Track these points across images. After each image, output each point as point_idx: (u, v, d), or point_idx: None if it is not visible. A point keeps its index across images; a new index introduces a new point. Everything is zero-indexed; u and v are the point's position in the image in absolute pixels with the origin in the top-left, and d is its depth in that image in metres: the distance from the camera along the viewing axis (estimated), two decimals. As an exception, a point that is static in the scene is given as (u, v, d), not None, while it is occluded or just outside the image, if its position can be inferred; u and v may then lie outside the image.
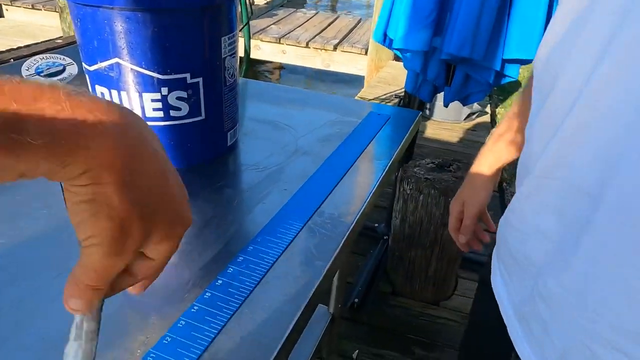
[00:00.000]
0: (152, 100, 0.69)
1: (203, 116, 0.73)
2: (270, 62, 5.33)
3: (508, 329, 0.55)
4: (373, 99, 3.47)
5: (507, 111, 0.77)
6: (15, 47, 1.05)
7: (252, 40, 4.86)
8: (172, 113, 0.71)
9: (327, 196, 0.70)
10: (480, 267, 1.85)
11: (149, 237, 0.27)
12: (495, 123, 3.52)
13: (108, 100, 0.25)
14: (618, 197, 0.37)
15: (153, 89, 0.68)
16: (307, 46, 4.80)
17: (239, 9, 0.71)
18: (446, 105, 1.51)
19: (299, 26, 5.24)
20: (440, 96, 1.68)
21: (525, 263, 0.50)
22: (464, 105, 1.51)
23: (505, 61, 1.36)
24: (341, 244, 0.61)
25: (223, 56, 0.73)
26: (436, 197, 1.48)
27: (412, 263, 1.63)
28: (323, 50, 4.79)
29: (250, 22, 5.17)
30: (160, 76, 0.67)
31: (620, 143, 0.37)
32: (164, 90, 0.68)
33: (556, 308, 0.45)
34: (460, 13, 1.23)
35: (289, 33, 4.96)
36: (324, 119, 0.96)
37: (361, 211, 0.68)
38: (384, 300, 1.68)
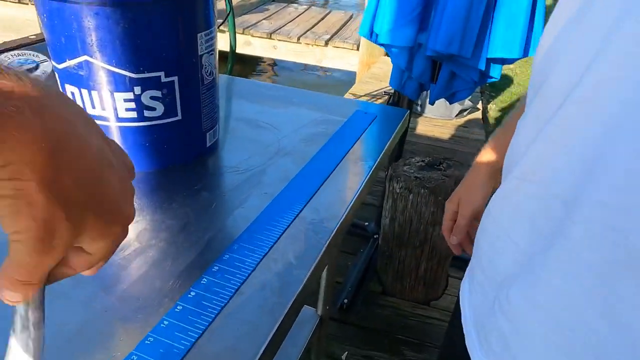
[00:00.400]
0: (125, 100, 0.65)
1: (179, 116, 0.70)
2: (262, 58, 5.28)
3: (466, 341, 0.52)
4: (364, 95, 3.44)
5: (514, 110, 0.72)
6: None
7: (242, 36, 4.81)
8: (147, 113, 0.67)
9: (309, 200, 0.67)
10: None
11: (81, 235, 0.25)
12: (487, 119, 3.51)
13: (33, 80, 0.23)
14: (593, 204, 0.34)
15: (125, 88, 0.65)
16: (298, 41, 4.75)
17: (217, 4, 0.67)
18: (432, 102, 1.48)
19: (290, 21, 5.19)
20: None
21: (491, 271, 0.47)
22: (450, 103, 1.49)
23: (489, 60, 1.34)
24: (322, 252, 0.58)
25: (200, 53, 0.69)
26: (426, 196, 1.46)
27: (402, 263, 1.61)
28: (315, 46, 4.75)
29: (241, 17, 5.11)
30: (132, 75, 0.64)
31: (599, 144, 0.33)
32: (137, 90, 0.65)
33: (520, 323, 0.42)
34: (447, 9, 1.21)
35: (280, 28, 4.91)
36: (308, 118, 0.93)
37: (344, 216, 0.65)
38: (373, 300, 1.66)
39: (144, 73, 0.64)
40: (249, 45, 4.83)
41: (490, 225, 0.49)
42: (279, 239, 0.59)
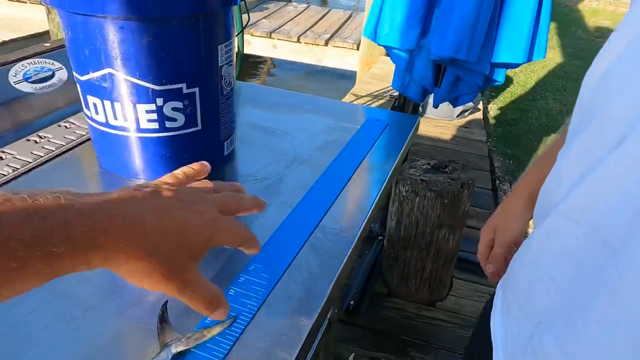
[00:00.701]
0: (147, 112, 0.66)
1: (199, 126, 0.71)
2: (261, 57, 5.28)
3: None
4: (366, 96, 3.45)
5: (555, 137, 0.67)
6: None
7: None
8: (168, 124, 0.68)
9: (328, 210, 0.68)
10: (475, 267, 1.85)
11: (198, 258, 0.37)
12: (488, 120, 3.52)
13: (112, 198, 0.33)
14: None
15: (148, 100, 0.66)
16: (298, 41, 4.76)
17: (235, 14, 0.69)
18: (436, 106, 1.49)
19: (290, 20, 5.20)
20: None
21: (528, 308, 0.45)
22: (454, 106, 1.50)
23: (493, 65, 1.35)
24: (344, 262, 0.59)
25: (220, 65, 0.70)
26: (432, 199, 1.48)
27: (407, 264, 1.63)
28: (314, 45, 4.76)
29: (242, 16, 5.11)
30: (155, 87, 0.65)
31: None
32: (159, 101, 0.66)
33: None
34: (455, 14, 1.22)
35: (279, 27, 4.92)
36: (321, 125, 0.94)
37: (363, 225, 0.66)
38: (379, 301, 1.68)
39: (167, 85, 0.65)
40: (249, 44, 4.83)
41: (531, 263, 0.46)
42: (301, 249, 0.60)
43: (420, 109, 3.20)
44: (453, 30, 1.25)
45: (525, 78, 4.44)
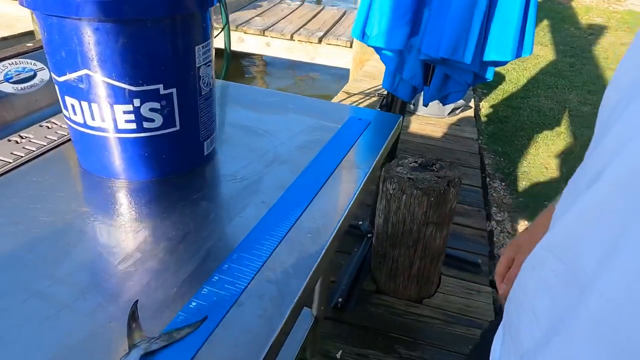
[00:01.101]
0: (124, 112, 0.67)
1: (178, 127, 0.72)
2: (255, 55, 5.27)
3: None
4: (358, 94, 3.46)
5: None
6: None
7: (235, 33, 4.80)
8: (146, 124, 0.69)
9: (305, 209, 0.69)
10: (463, 263, 1.86)
11: None
12: (479, 118, 3.54)
13: None
14: (601, 297, 0.31)
15: (125, 101, 0.66)
16: (291, 39, 4.75)
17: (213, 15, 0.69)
18: (426, 104, 1.50)
19: (284, 18, 5.18)
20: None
21: (517, 339, 0.45)
22: (443, 104, 1.51)
23: (482, 63, 1.36)
24: (318, 260, 0.60)
25: (197, 65, 0.71)
26: (419, 197, 1.49)
27: (395, 262, 1.64)
28: (308, 43, 4.75)
29: (235, 14, 5.09)
30: (132, 88, 0.65)
31: (619, 234, 0.31)
32: (136, 102, 0.66)
33: None
34: (450, 15, 1.22)
35: (273, 25, 4.91)
36: (303, 125, 0.94)
37: (340, 223, 0.67)
38: (367, 299, 1.69)
39: (143, 86, 0.66)
40: (242, 42, 4.82)
41: (519, 292, 0.46)
42: (276, 247, 0.61)
43: (412, 107, 3.21)
44: (449, 31, 1.25)
45: (517, 75, 4.46)
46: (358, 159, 0.84)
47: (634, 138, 0.32)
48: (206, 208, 0.69)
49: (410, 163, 1.60)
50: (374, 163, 0.83)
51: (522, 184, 2.81)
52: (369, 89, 3.53)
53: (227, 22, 1.33)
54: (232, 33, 4.82)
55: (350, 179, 0.78)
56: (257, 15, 5.19)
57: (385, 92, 1.67)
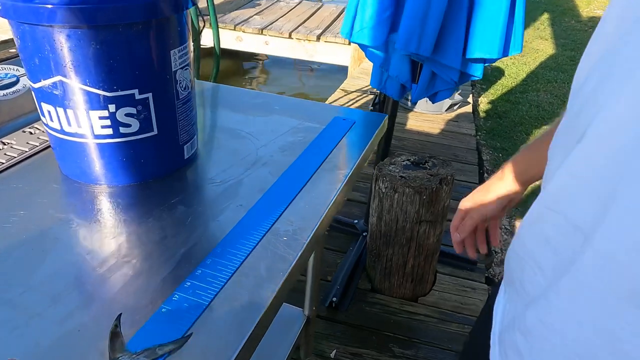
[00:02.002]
0: (100, 118, 0.67)
1: (155, 131, 0.72)
2: (254, 54, 5.26)
3: (490, 352, 0.54)
4: (354, 91, 3.45)
5: (547, 129, 0.68)
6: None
7: (233, 32, 4.80)
8: (122, 130, 0.69)
9: (283, 211, 0.69)
10: (458, 261, 1.86)
11: None
12: (478, 113, 3.52)
13: None
14: (604, 238, 0.35)
15: (100, 107, 0.66)
16: (290, 37, 4.75)
17: (190, 19, 0.68)
18: (414, 102, 1.50)
19: (282, 16, 5.18)
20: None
21: (521, 291, 0.49)
22: (433, 102, 1.50)
23: (469, 60, 1.35)
24: (292, 265, 0.60)
25: (174, 69, 0.71)
26: (411, 195, 1.48)
27: (389, 260, 1.63)
28: (306, 41, 4.74)
29: (233, 13, 5.09)
30: (106, 93, 0.65)
31: (613, 181, 0.34)
32: (112, 108, 0.66)
33: (536, 343, 0.43)
34: (406, 7, 1.22)
35: (271, 24, 4.90)
36: (287, 126, 0.94)
37: (315, 228, 0.67)
38: (362, 297, 1.69)
39: (118, 91, 0.66)
40: (241, 41, 4.82)
41: (519, 247, 0.50)
42: (251, 252, 0.61)
43: (409, 103, 3.20)
44: (403, 24, 1.24)
45: (516, 70, 4.43)
46: (340, 160, 0.84)
47: (617, 91, 0.36)
48: (184, 212, 0.68)
49: (403, 161, 1.60)
50: (356, 164, 0.83)
51: (521, 180, 2.79)
52: (365, 86, 3.52)
53: (216, 23, 1.33)
54: (230, 32, 4.82)
55: (331, 181, 0.78)
56: (255, 14, 5.18)
57: (377, 91, 1.67)
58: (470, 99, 3.43)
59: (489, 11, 1.23)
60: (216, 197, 0.73)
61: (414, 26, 1.20)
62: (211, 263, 0.59)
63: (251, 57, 5.68)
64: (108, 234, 0.64)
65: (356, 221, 2.02)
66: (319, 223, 0.68)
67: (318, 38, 4.68)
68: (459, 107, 3.27)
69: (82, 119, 0.67)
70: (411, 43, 1.20)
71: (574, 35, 5.59)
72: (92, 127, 0.68)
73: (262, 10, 5.36)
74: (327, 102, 3.37)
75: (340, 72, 4.80)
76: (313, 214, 0.69)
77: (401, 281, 1.67)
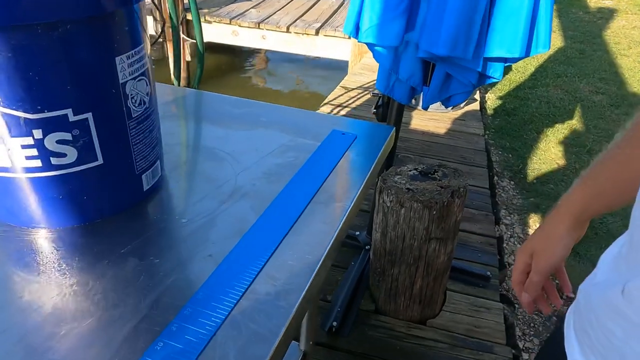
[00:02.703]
0: (23, 147, 0.51)
1: (100, 161, 0.56)
2: (251, 49, 5.08)
3: None
4: (355, 89, 3.28)
5: (623, 130, 0.55)
6: None
7: (229, 26, 4.62)
8: (55, 161, 0.53)
9: (264, 265, 0.53)
10: (469, 277, 1.70)
11: None
12: (485, 111, 3.35)
13: None
14: None
15: (21, 132, 0.50)
16: (287, 31, 4.57)
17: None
18: (425, 107, 1.34)
19: (280, 9, 5.00)
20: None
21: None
22: (446, 107, 1.35)
23: (486, 60, 1.19)
24: (275, 345, 0.45)
25: (122, 81, 0.55)
26: (419, 210, 1.32)
27: (395, 280, 1.48)
28: (305, 35, 4.57)
29: (228, 7, 4.91)
30: (28, 115, 0.49)
31: None
32: (37, 133, 0.51)
33: None
34: (449, 7, 1.05)
35: (268, 17, 4.73)
36: (274, 143, 0.78)
37: (307, 287, 0.51)
38: (365, 320, 1.54)
39: (44, 112, 0.50)
40: (237, 35, 4.65)
41: (624, 304, 0.42)
42: (218, 329, 0.45)
43: (413, 101, 3.03)
44: (447, 25, 1.08)
45: (524, 64, 4.25)
46: (338, 189, 0.68)
47: None
48: (135, 267, 0.53)
49: (410, 171, 1.44)
50: (357, 194, 0.67)
51: (533, 182, 2.63)
52: (367, 83, 3.36)
53: (198, 15, 1.16)
54: (225, 27, 4.65)
55: (326, 218, 0.62)
56: (252, 7, 5.00)
57: (380, 94, 1.50)
58: (477, 96, 3.27)
59: (510, 5, 1.07)
60: (180, 242, 0.57)
61: (460, 28, 1.03)
62: (162, 349, 0.43)
63: (248, 52, 5.51)
64: (34, 293, 0.48)
65: (358, 233, 1.86)
66: (310, 281, 0.52)
67: (317, 32, 4.50)
68: (466, 105, 3.11)
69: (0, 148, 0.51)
70: (458, 46, 1.03)
71: (582, 27, 5.40)
72: (14, 158, 0.52)
73: (259, 3, 5.18)
74: (326, 100, 3.20)
75: (340, 67, 4.63)
76: (303, 268, 0.54)
77: (408, 303, 1.51)
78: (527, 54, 1.11)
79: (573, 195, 0.61)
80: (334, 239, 0.58)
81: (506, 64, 1.20)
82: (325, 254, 0.56)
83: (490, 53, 1.11)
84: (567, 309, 0.59)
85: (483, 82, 1.22)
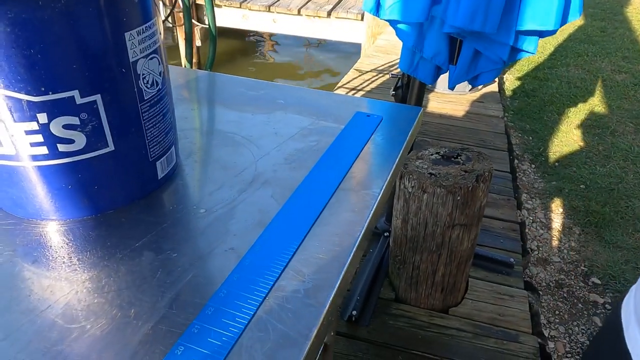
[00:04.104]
0: (27, 133, 0.47)
1: (111, 147, 0.52)
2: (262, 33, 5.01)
3: None
4: (370, 71, 3.21)
5: None
6: None
7: (239, 10, 4.54)
8: (62, 147, 0.49)
9: (290, 259, 0.49)
10: (494, 264, 1.65)
11: None
12: (504, 92, 3.26)
13: None
14: None
15: (25, 117, 0.46)
16: (299, 14, 4.48)
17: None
18: (452, 87, 1.27)
19: (290, -8, 4.89)
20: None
21: None
22: (473, 86, 1.28)
23: (519, 33, 1.11)
24: (307, 348, 0.40)
25: (132, 59, 0.50)
26: (442, 196, 1.27)
27: (416, 269, 1.44)
28: (316, 18, 4.48)
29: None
30: (31, 98, 0.45)
31: None
32: (42, 118, 0.46)
33: None
34: None
35: (279, 0, 4.63)
36: (294, 127, 0.74)
37: (339, 282, 0.47)
38: (385, 309, 1.50)
39: (48, 94, 0.46)
40: (247, 19, 4.57)
41: None
42: (243, 332, 0.41)
43: (429, 83, 2.95)
44: None
45: (542, 43, 4.12)
46: (366, 174, 0.63)
47: None
48: (150, 263, 0.49)
49: (432, 155, 1.38)
50: (387, 179, 0.62)
51: (554, 165, 2.55)
52: (381, 65, 3.28)
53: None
54: (235, 10, 4.57)
55: (355, 206, 0.57)
56: (262, -10, 4.91)
57: (400, 73, 1.44)
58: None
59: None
60: (199, 235, 0.53)
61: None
62: (183, 354, 0.39)
63: (259, 36, 5.43)
64: (41, 290, 0.44)
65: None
66: (342, 276, 0.48)
67: (329, 14, 4.41)
68: (484, 86, 3.02)
69: (2, 134, 0.47)
70: (476, 19, 0.97)
71: (602, 3, 5.22)
72: (17, 145, 0.48)
73: (270, -14, 5.08)
74: (340, 83, 3.13)
75: (353, 50, 4.54)
76: (332, 262, 0.49)
77: (429, 291, 1.47)
78: (563, 23, 1.04)
79: None
80: (364, 229, 0.54)
81: (541, 37, 1.12)
82: (356, 245, 0.51)
83: (522, 26, 1.04)
84: (617, 297, 0.54)
85: (515, 57, 1.15)
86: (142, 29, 0.51)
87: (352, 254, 0.50)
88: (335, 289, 0.46)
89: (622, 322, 0.52)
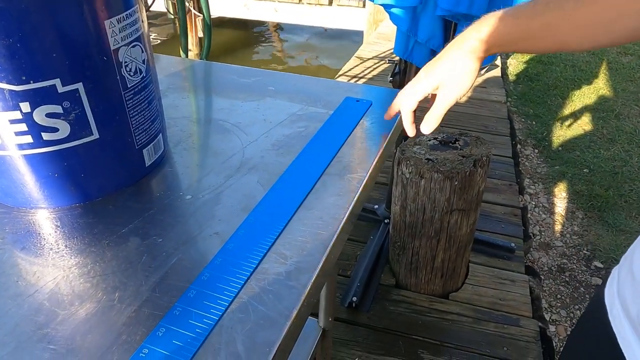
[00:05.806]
0: (11, 122, 0.48)
1: (96, 135, 0.52)
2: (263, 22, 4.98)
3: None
4: (371, 58, 3.18)
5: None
6: None
7: (240, 0, 4.52)
8: (46, 136, 0.49)
9: (274, 242, 0.49)
10: (494, 249, 1.65)
11: None
12: (507, 77, 3.22)
13: None
14: None
15: (8, 106, 0.47)
16: (300, 2, 4.46)
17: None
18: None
19: (291, -20, 4.86)
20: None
21: None
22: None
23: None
24: (285, 331, 0.41)
25: (113, 47, 0.50)
26: (440, 181, 1.27)
27: (415, 254, 1.44)
28: (318, 6, 4.45)
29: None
30: (12, 87, 0.46)
31: None
32: (25, 107, 0.47)
33: None
34: None
35: (280, -11, 4.60)
36: (283, 113, 0.74)
37: (320, 265, 0.47)
38: (385, 295, 1.51)
39: (30, 83, 0.46)
40: (248, 9, 4.55)
41: None
42: (224, 313, 0.42)
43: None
44: None
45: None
46: (353, 159, 0.64)
47: None
48: (136, 248, 0.49)
49: (429, 140, 1.38)
50: (373, 164, 0.62)
51: (558, 150, 2.53)
52: (383, 52, 3.25)
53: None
54: (237, 0, 4.55)
55: (340, 190, 0.58)
56: (262, -21, 4.87)
57: (398, 58, 1.43)
58: (498, 62, 3.14)
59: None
60: (184, 220, 0.53)
61: None
62: (164, 335, 0.40)
63: (260, 25, 5.41)
64: (31, 277, 0.45)
65: (376, 206, 1.81)
66: (324, 258, 0.48)
67: (330, 2, 4.38)
68: (487, 71, 2.99)
69: (-14, 124, 0.48)
70: (462, 1, 0.96)
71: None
72: (2, 134, 0.48)
73: (270, -26, 5.04)
74: (341, 71, 3.12)
75: (355, 37, 4.51)
76: (315, 245, 0.49)
77: (429, 276, 1.47)
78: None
79: (490, 27, 0.55)
80: (349, 212, 0.54)
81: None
82: (339, 229, 0.52)
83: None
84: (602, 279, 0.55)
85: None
86: (123, 16, 0.51)
87: (335, 237, 0.50)
88: (317, 271, 0.47)
89: (606, 304, 0.52)
